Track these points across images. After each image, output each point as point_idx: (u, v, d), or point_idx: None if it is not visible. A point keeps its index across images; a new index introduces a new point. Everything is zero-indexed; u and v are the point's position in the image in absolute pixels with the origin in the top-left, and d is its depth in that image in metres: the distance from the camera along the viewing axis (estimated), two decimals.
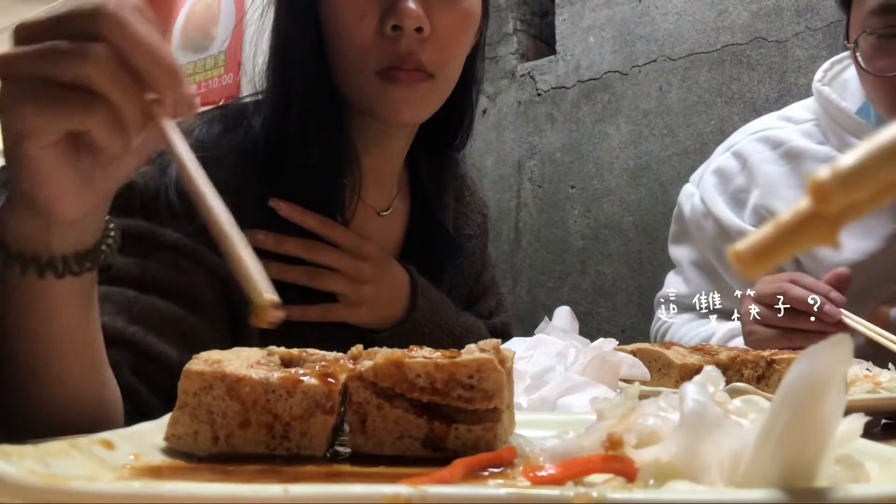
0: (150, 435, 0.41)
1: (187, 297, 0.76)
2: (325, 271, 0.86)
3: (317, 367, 0.42)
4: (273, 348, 0.45)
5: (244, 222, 0.82)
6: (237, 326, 0.80)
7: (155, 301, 0.73)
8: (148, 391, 0.69)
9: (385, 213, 0.96)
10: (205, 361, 0.41)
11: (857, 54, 1.05)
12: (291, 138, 0.85)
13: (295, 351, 0.45)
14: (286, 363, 0.43)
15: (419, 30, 0.80)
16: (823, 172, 0.23)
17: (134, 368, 0.69)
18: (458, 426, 0.40)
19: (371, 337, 0.88)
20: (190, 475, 0.37)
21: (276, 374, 0.40)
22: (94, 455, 0.35)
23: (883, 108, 1.09)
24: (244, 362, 0.42)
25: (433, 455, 0.39)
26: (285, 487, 0.27)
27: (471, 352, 0.40)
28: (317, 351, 0.46)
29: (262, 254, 0.83)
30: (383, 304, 0.89)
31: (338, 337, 0.87)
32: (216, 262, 0.77)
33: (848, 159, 0.23)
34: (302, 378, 0.40)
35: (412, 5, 0.79)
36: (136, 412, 0.66)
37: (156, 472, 0.36)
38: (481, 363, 0.39)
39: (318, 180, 0.86)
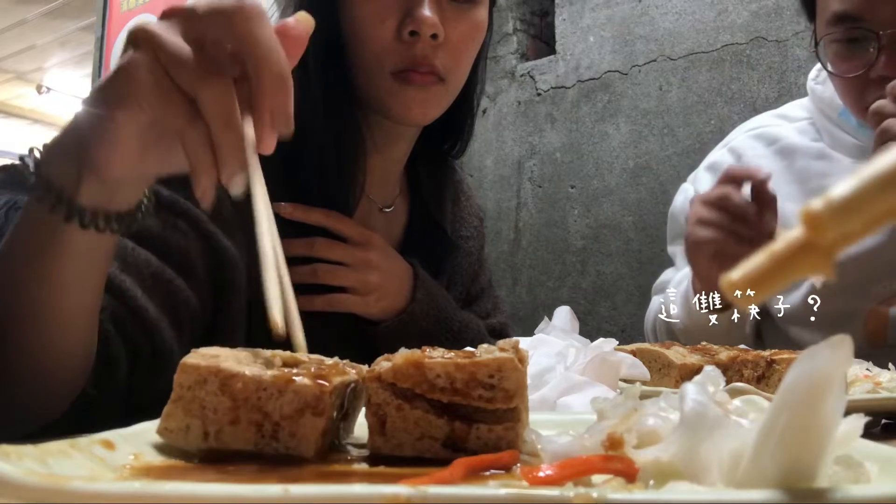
0: (151, 435, 0.41)
1: (179, 259, 0.77)
2: (331, 266, 0.87)
3: (312, 368, 0.42)
4: (260, 351, 0.45)
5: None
6: (222, 301, 0.81)
7: (148, 256, 0.74)
8: (119, 342, 0.69)
9: (388, 210, 0.99)
10: (202, 356, 0.41)
11: (824, 60, 1.11)
12: (307, 131, 0.86)
13: (297, 355, 0.45)
14: (287, 366, 0.43)
15: (434, 36, 0.84)
16: (816, 203, 0.23)
17: (113, 315, 0.69)
18: (479, 426, 0.40)
19: (369, 329, 0.89)
20: (190, 475, 0.37)
21: (270, 372, 0.40)
22: (94, 455, 0.35)
23: (851, 108, 1.13)
24: (241, 360, 0.42)
25: (453, 456, 0.39)
26: (285, 487, 0.27)
27: (490, 351, 0.40)
28: (318, 357, 0.45)
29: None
30: (390, 293, 0.90)
31: (337, 327, 0.88)
32: (211, 231, 0.78)
33: (841, 189, 0.23)
34: (294, 378, 0.40)
35: (429, 13, 0.83)
36: (100, 359, 0.66)
37: (156, 472, 0.36)
38: (502, 363, 0.39)
39: (329, 173, 0.88)
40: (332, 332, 0.88)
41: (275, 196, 0.86)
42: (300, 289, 0.86)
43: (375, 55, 0.85)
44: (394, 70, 0.85)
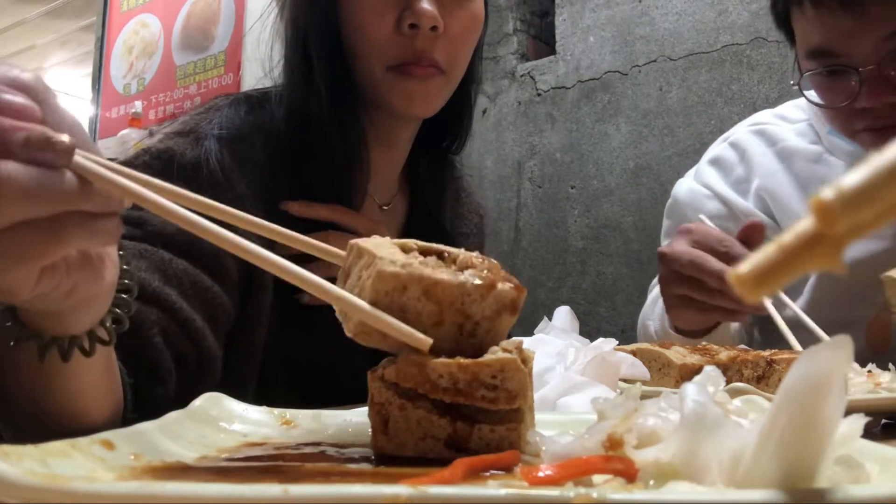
0: (150, 435, 0.41)
1: (214, 265, 0.77)
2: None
3: (485, 271, 0.44)
4: (409, 242, 0.46)
5: (273, 199, 0.84)
6: (250, 299, 0.82)
7: (186, 265, 0.74)
8: (168, 355, 0.69)
9: (386, 208, 0.99)
10: (391, 262, 0.42)
11: (805, 92, 1.09)
12: (310, 129, 0.87)
13: (434, 246, 0.47)
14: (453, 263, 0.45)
15: (434, 29, 0.84)
16: (827, 193, 0.22)
17: (162, 330, 0.69)
18: (482, 426, 0.40)
19: None
20: (190, 475, 0.36)
21: (470, 279, 0.42)
22: (94, 455, 0.35)
23: (840, 132, 1.11)
24: (426, 262, 0.44)
25: (456, 456, 0.39)
26: (285, 487, 0.27)
27: (493, 352, 0.40)
28: (454, 250, 0.47)
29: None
30: None
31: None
32: (241, 233, 0.78)
33: (852, 179, 0.22)
34: (497, 284, 0.43)
35: (428, 6, 0.83)
36: (152, 377, 0.66)
37: (156, 472, 0.36)
38: (505, 363, 0.39)
39: (333, 170, 0.89)
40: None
41: (281, 193, 0.87)
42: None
43: (375, 49, 0.85)
44: (392, 64, 0.85)
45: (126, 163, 0.79)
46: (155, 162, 0.79)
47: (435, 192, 1.04)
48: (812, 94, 1.09)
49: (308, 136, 0.88)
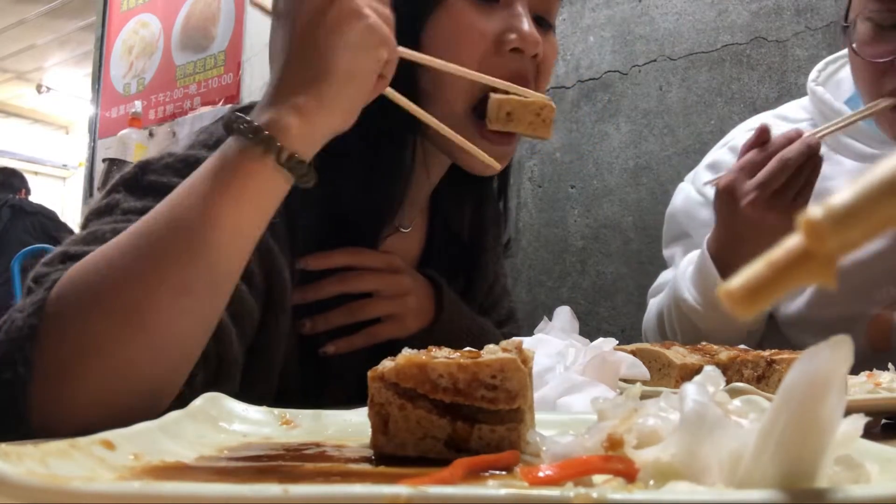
0: (150, 435, 0.41)
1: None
2: (365, 301, 0.86)
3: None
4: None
5: (300, 226, 0.82)
6: (269, 316, 0.78)
7: None
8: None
9: (405, 231, 0.96)
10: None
11: (852, 37, 1.06)
12: (348, 165, 0.82)
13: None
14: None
15: (534, 57, 0.79)
16: (816, 211, 0.22)
17: None
18: (482, 426, 0.40)
19: (403, 343, 0.88)
20: (190, 475, 0.36)
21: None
22: (94, 455, 0.35)
23: (867, 93, 1.10)
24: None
25: (456, 456, 0.39)
26: (285, 487, 0.27)
27: (493, 352, 0.40)
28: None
29: (308, 306, 0.83)
30: (423, 311, 0.90)
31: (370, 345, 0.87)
32: (268, 245, 0.75)
33: (841, 198, 0.22)
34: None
35: (535, 31, 0.78)
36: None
37: (156, 472, 0.36)
38: (504, 363, 0.39)
39: (370, 214, 0.86)
40: (365, 348, 0.87)
41: (308, 225, 0.82)
42: (339, 332, 0.85)
43: (461, 80, 0.76)
44: (477, 104, 0.79)
45: (147, 163, 0.74)
46: (180, 164, 0.74)
47: (456, 212, 1.01)
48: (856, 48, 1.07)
49: (343, 172, 0.81)
